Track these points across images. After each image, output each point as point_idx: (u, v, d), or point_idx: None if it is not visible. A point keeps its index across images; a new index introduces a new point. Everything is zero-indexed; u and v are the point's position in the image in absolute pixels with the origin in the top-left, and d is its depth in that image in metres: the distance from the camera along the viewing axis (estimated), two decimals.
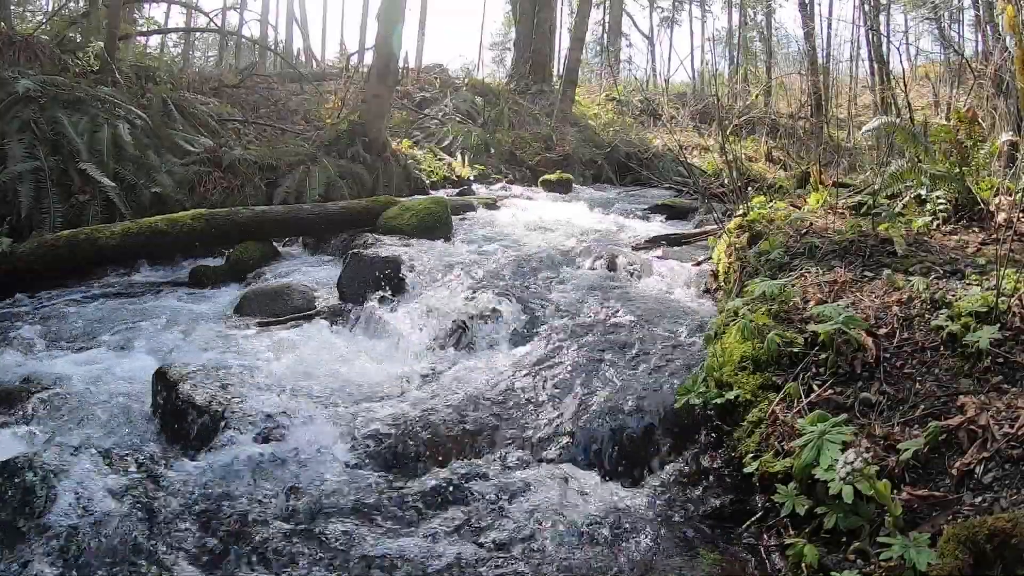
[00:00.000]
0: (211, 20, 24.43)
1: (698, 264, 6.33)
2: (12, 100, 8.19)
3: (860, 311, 3.51)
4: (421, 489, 3.25)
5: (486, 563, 2.67)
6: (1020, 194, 4.63)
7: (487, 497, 3.14)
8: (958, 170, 4.94)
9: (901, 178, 5.15)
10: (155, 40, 21.60)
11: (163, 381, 4.06)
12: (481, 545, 2.79)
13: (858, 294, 3.79)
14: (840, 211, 5.43)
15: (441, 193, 11.62)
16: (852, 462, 2.25)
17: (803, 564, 2.43)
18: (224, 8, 27.68)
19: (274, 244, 8.14)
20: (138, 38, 16.76)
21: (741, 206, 5.79)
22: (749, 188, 7.54)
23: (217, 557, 2.69)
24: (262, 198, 9.65)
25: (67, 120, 8.33)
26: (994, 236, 4.41)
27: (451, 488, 3.23)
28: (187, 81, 13.24)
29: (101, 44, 10.80)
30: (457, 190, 12.60)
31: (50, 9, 13.62)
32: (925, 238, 4.54)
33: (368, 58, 17.83)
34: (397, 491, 3.23)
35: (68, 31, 11.62)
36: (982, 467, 2.55)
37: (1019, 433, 2.57)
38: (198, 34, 29.13)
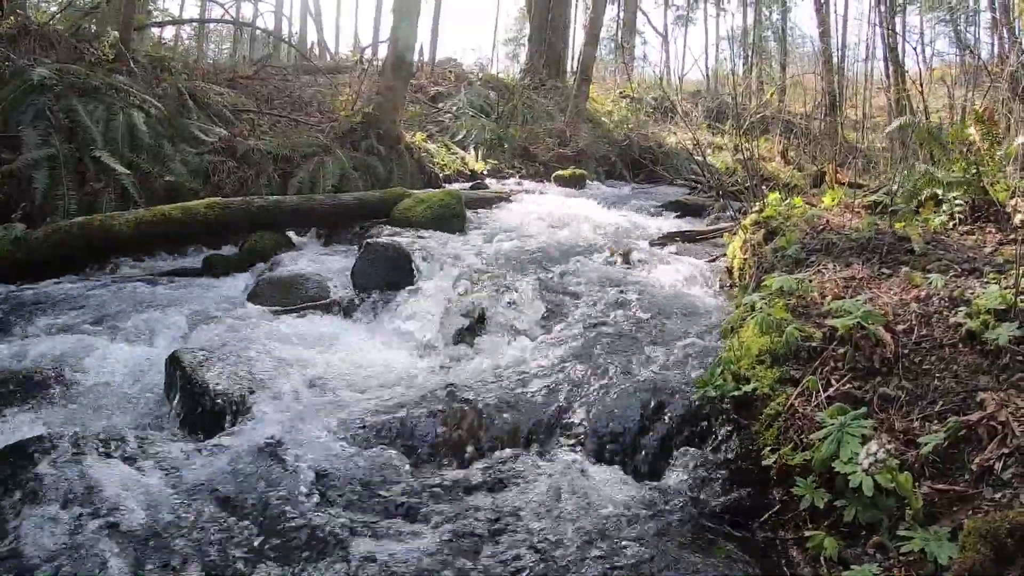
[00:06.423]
0: (225, 11, 24.53)
1: (713, 260, 6.33)
2: (28, 88, 8.23)
3: (878, 307, 3.49)
4: (428, 478, 3.25)
5: (497, 556, 2.66)
6: None
7: (499, 488, 3.13)
8: (975, 171, 4.93)
9: (922, 178, 5.14)
10: (169, 32, 21.67)
11: (176, 366, 4.08)
12: (491, 538, 2.77)
13: (876, 290, 3.78)
14: (856, 209, 5.42)
15: (454, 186, 11.62)
16: (875, 453, 2.25)
17: (822, 557, 2.42)
18: None
19: (288, 234, 8.14)
20: (153, 29, 16.80)
21: (757, 203, 5.78)
22: (764, 186, 7.53)
23: (220, 542, 2.69)
24: (276, 188, 9.66)
25: (82, 108, 8.37)
26: (1011, 237, 4.41)
27: (461, 479, 3.22)
28: (202, 72, 13.25)
29: (116, 34, 10.81)
30: (470, 184, 12.59)
31: None
32: (942, 237, 4.54)
33: (382, 51, 17.84)
34: (404, 480, 3.22)
35: (83, 21, 11.65)
36: (1001, 463, 2.54)
37: None
38: (212, 26, 29.23)
